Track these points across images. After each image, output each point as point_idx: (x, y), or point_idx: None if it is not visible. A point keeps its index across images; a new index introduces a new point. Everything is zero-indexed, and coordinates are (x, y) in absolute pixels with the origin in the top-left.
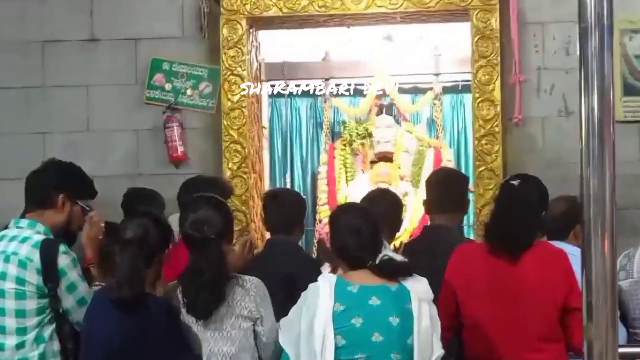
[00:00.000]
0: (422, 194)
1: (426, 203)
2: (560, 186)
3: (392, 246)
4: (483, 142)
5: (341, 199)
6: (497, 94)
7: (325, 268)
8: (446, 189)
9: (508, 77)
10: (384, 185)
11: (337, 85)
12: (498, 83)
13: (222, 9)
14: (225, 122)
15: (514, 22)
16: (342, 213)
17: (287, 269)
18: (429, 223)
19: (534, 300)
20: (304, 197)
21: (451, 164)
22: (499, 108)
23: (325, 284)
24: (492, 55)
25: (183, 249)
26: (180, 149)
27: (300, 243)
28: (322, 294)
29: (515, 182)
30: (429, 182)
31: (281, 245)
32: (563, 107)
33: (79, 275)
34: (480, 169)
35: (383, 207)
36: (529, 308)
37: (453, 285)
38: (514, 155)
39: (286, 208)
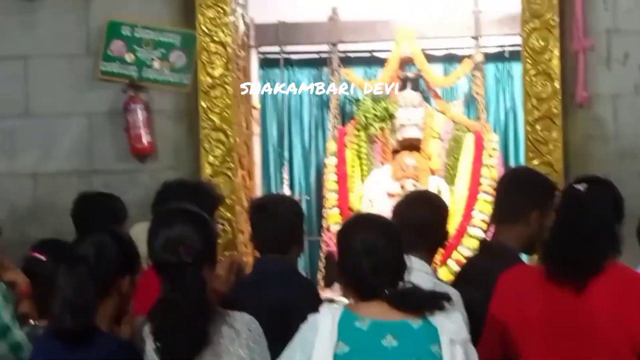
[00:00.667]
0: (459, 191)
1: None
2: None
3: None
4: (538, 127)
5: (355, 200)
6: (555, 65)
7: (335, 290)
8: (510, 193)
9: (569, 43)
10: (410, 182)
11: (348, 52)
12: (556, 51)
13: None
14: (203, 104)
15: None
16: (353, 227)
17: (279, 299)
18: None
19: (605, 340)
20: (307, 198)
21: (496, 154)
22: (557, 84)
23: (326, 316)
24: (549, 14)
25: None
26: (145, 139)
27: (300, 261)
28: (321, 329)
29: (580, 187)
30: (498, 184)
31: (273, 268)
32: None
33: (11, 316)
34: (535, 162)
35: (425, 215)
36: (599, 350)
37: (501, 322)
38: (578, 145)
39: (279, 221)
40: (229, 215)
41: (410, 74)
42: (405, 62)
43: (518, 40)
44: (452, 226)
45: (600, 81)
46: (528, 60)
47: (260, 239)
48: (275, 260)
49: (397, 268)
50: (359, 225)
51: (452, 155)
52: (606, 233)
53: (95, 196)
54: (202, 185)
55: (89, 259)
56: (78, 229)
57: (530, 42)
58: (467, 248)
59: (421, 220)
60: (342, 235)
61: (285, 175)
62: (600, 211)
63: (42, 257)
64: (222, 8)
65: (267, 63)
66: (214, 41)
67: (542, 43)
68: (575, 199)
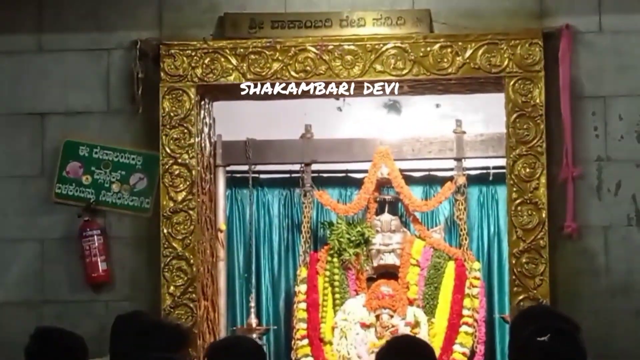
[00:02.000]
0: (439, 323)
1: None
2: (633, 322)
3: None
4: (523, 259)
5: (326, 331)
6: (542, 195)
7: None
8: None
9: (557, 170)
10: (385, 312)
11: (322, 172)
12: (543, 179)
13: (162, 74)
14: (165, 230)
15: (566, 96)
16: None
17: None
18: None
19: None
20: (274, 328)
21: (479, 283)
22: (544, 214)
23: None
24: (536, 140)
25: None
26: (102, 267)
27: None
28: None
29: (544, 338)
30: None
31: None
32: (634, 212)
33: None
34: (520, 297)
35: None
36: None
37: None
38: (567, 279)
39: None
40: (189, 349)
41: (387, 197)
42: (383, 184)
43: (503, 162)
44: None
45: (590, 212)
46: (514, 189)
47: None
48: None
49: None
50: None
51: (431, 284)
52: None
53: (54, 333)
54: (173, 328)
55: None
56: None
57: (516, 170)
58: None
59: None
60: None
61: (253, 304)
62: None
63: None
64: (187, 128)
65: (235, 182)
66: (177, 163)
67: (529, 170)
68: (538, 352)
